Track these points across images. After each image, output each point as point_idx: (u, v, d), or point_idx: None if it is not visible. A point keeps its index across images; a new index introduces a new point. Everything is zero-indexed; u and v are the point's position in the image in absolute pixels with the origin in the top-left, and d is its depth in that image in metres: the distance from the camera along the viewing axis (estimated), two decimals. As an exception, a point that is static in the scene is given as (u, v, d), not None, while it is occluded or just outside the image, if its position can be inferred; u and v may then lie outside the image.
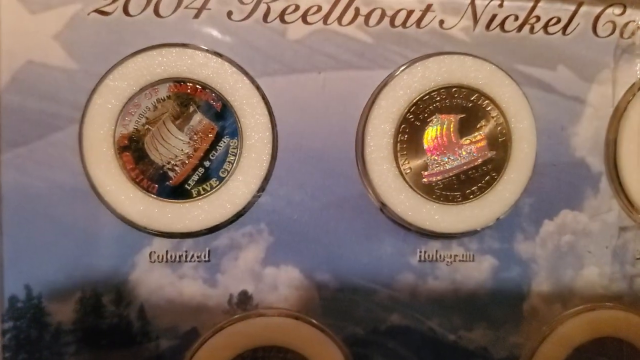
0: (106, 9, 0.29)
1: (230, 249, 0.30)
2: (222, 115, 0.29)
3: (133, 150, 0.29)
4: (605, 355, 0.33)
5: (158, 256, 0.30)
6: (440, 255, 0.32)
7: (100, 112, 0.28)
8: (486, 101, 0.31)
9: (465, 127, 0.31)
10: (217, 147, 0.29)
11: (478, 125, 0.31)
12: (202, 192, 0.29)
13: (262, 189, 0.30)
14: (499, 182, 0.31)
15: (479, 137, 0.31)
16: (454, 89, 0.31)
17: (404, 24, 0.31)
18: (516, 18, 0.32)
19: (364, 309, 0.31)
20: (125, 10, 0.29)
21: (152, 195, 0.29)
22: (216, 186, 0.29)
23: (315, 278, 0.31)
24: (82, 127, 0.28)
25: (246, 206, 0.30)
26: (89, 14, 0.28)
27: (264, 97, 0.30)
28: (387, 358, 0.32)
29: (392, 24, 0.31)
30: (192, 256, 0.30)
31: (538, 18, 0.32)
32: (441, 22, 0.31)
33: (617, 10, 0.32)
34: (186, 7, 0.29)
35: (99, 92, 0.28)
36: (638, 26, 0.33)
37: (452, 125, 0.31)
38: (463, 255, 0.32)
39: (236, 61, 0.29)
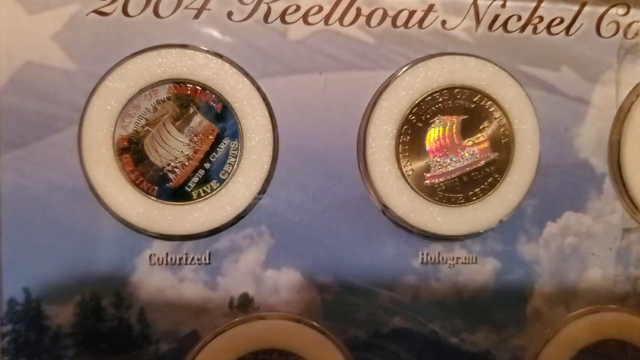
0: (105, 10, 0.28)
1: (230, 251, 0.30)
2: (223, 116, 0.29)
3: (133, 152, 0.29)
4: (609, 357, 0.33)
5: (158, 259, 0.30)
6: (442, 258, 0.32)
7: (100, 113, 0.28)
8: (489, 102, 0.31)
9: (468, 129, 0.31)
10: (218, 148, 0.29)
11: (481, 127, 0.31)
12: (203, 194, 0.29)
13: (262, 190, 0.30)
14: (502, 183, 0.31)
15: (481, 139, 0.31)
16: (456, 90, 0.31)
17: (406, 25, 0.30)
18: (519, 18, 0.31)
19: (365, 312, 0.31)
20: (125, 11, 0.29)
21: (152, 197, 0.29)
22: (216, 188, 0.29)
23: (316, 280, 0.31)
24: (81, 128, 0.28)
25: (247, 208, 0.30)
26: (87, 15, 0.28)
27: (264, 98, 0.29)
28: (389, 361, 0.32)
29: (394, 24, 0.30)
30: (193, 259, 0.30)
31: (541, 18, 0.32)
32: (443, 22, 0.31)
33: (621, 10, 0.32)
34: (186, 8, 0.29)
35: (98, 93, 0.28)
36: (642, 26, 0.32)
37: (454, 127, 0.31)
38: (465, 257, 0.32)
39: (237, 62, 0.29)
